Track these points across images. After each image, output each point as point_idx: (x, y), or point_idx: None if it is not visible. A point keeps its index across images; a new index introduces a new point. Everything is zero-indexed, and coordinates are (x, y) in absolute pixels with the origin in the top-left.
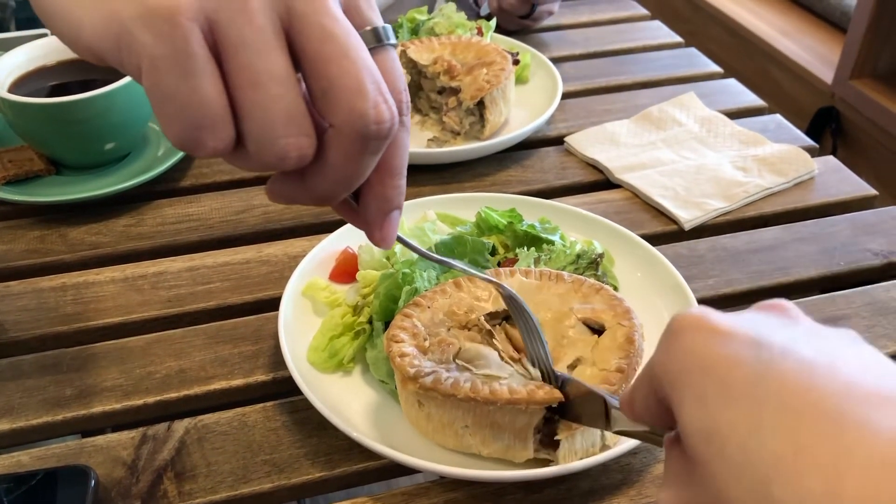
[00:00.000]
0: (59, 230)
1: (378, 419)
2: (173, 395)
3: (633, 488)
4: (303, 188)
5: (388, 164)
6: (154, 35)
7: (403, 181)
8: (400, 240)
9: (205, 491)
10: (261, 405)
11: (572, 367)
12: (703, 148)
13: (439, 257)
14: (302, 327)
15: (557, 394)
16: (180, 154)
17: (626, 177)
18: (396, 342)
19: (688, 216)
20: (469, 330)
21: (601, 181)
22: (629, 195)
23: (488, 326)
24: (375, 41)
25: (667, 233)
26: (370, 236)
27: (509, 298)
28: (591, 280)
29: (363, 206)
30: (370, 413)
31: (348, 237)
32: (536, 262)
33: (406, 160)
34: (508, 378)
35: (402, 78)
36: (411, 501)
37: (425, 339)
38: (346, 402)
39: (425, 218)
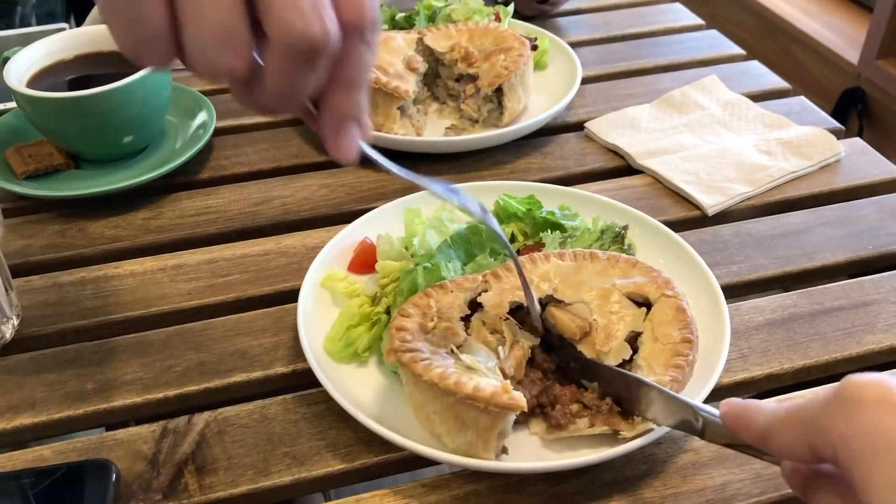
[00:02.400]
0: (78, 224)
1: (396, 410)
2: (193, 388)
3: (657, 479)
4: (252, 98)
5: (341, 77)
6: None
7: (360, 95)
8: (364, 154)
9: (225, 484)
10: (280, 397)
11: (632, 341)
12: (727, 132)
13: (406, 173)
14: (321, 318)
15: (522, 402)
16: (198, 146)
17: (648, 162)
18: (402, 315)
19: (711, 201)
20: (493, 333)
21: (622, 167)
22: (651, 181)
23: (515, 323)
24: None
25: (690, 219)
26: (327, 148)
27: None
28: (625, 255)
29: (320, 117)
30: (387, 404)
31: (366, 228)
32: (562, 244)
33: (365, 75)
34: (489, 377)
35: None
36: (432, 493)
37: (432, 321)
38: (364, 394)
39: (443, 207)
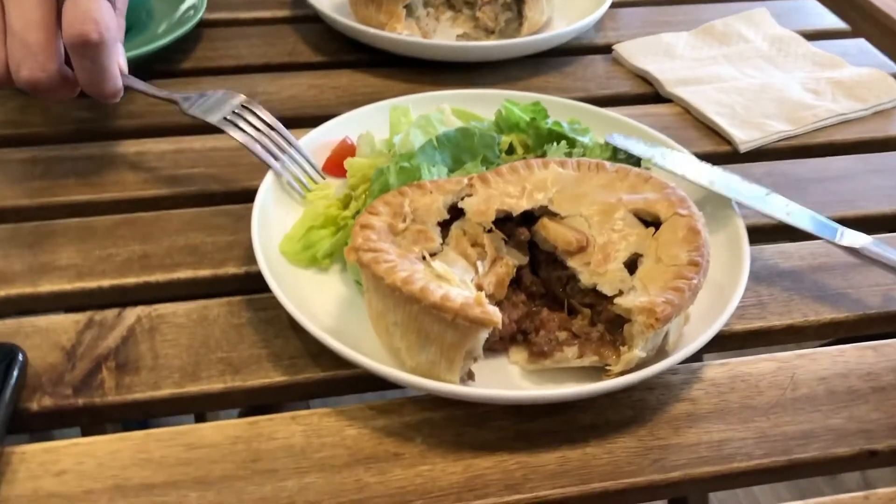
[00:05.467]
0: (42, 103)
1: (353, 324)
2: (131, 280)
3: (643, 427)
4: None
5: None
6: None
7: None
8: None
9: (146, 385)
10: (226, 299)
11: (631, 263)
12: (771, 67)
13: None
14: (283, 219)
15: (495, 316)
16: (181, 31)
17: (679, 91)
18: (370, 213)
19: (745, 136)
20: (474, 246)
21: (649, 94)
22: (680, 111)
23: (501, 237)
24: None
25: (719, 153)
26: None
27: None
28: (637, 169)
29: None
30: (345, 317)
31: (349, 127)
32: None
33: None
34: (461, 287)
35: (80, 19)
36: (380, 417)
37: (404, 222)
38: (319, 304)
39: (439, 110)
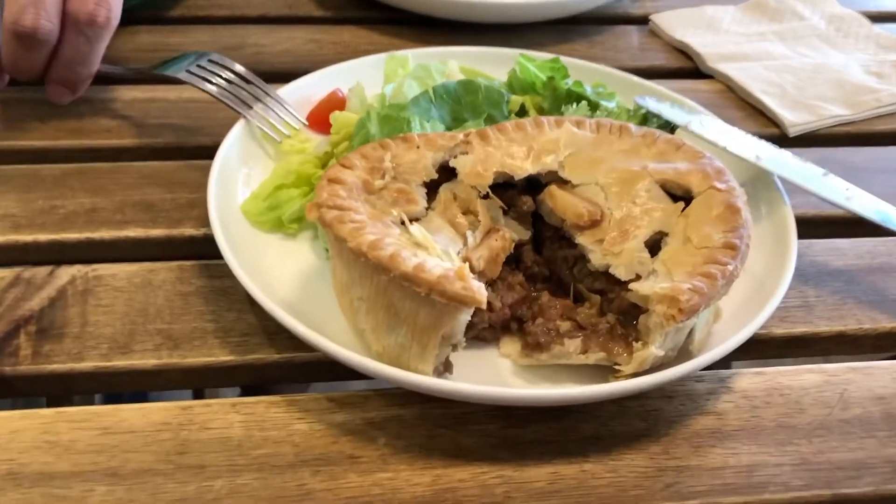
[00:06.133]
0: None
1: (319, 301)
2: (73, 236)
3: (657, 443)
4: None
5: (59, 56)
6: None
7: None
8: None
9: (67, 356)
10: (177, 263)
11: (654, 243)
12: (827, 47)
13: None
14: (252, 177)
15: (479, 294)
16: None
17: (722, 66)
18: (343, 165)
19: (795, 119)
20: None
21: (688, 69)
22: (722, 88)
23: (500, 205)
24: None
25: (765, 136)
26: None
27: None
28: (668, 135)
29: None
30: (310, 292)
31: (338, 78)
32: None
33: (78, 59)
34: (442, 258)
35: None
36: (340, 411)
37: (383, 178)
38: (282, 275)
39: (442, 61)
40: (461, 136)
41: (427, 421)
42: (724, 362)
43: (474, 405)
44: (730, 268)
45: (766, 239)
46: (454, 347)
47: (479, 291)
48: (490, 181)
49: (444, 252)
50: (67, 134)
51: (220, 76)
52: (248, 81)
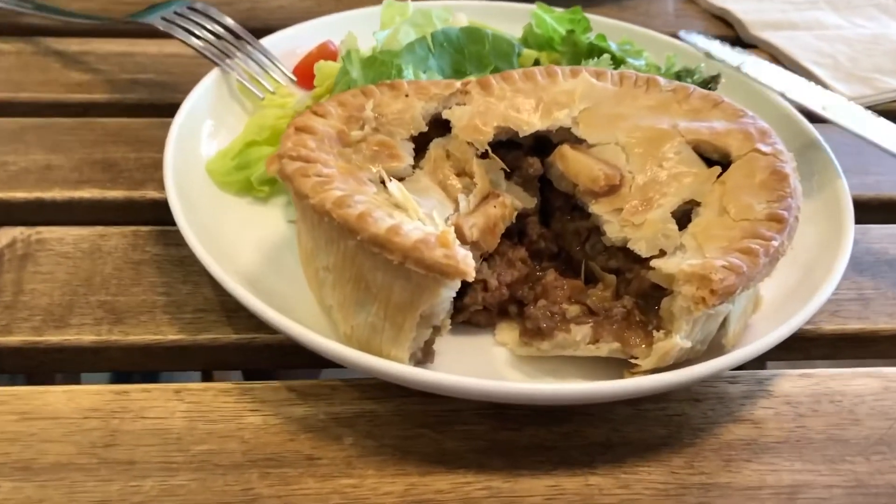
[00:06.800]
0: None
1: (287, 276)
2: (20, 195)
3: (680, 454)
4: None
5: None
6: None
7: None
8: None
9: None
10: (133, 228)
11: (683, 214)
12: (886, 17)
13: None
14: (225, 132)
15: (465, 264)
16: None
17: (767, 35)
18: (315, 113)
19: (849, 92)
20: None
21: (728, 37)
22: (766, 58)
23: (501, 167)
24: None
25: (814, 112)
26: None
27: None
28: (704, 90)
29: None
30: (278, 264)
31: (331, 29)
32: None
33: None
34: (425, 222)
35: None
36: (302, 404)
37: (362, 129)
38: (248, 244)
39: (446, 9)
40: (459, 84)
41: (404, 418)
42: (764, 361)
43: (461, 402)
44: (774, 243)
45: (816, 218)
46: (436, 331)
47: (465, 261)
48: (490, 137)
49: (427, 216)
50: (33, 86)
51: (203, 26)
52: (233, 33)
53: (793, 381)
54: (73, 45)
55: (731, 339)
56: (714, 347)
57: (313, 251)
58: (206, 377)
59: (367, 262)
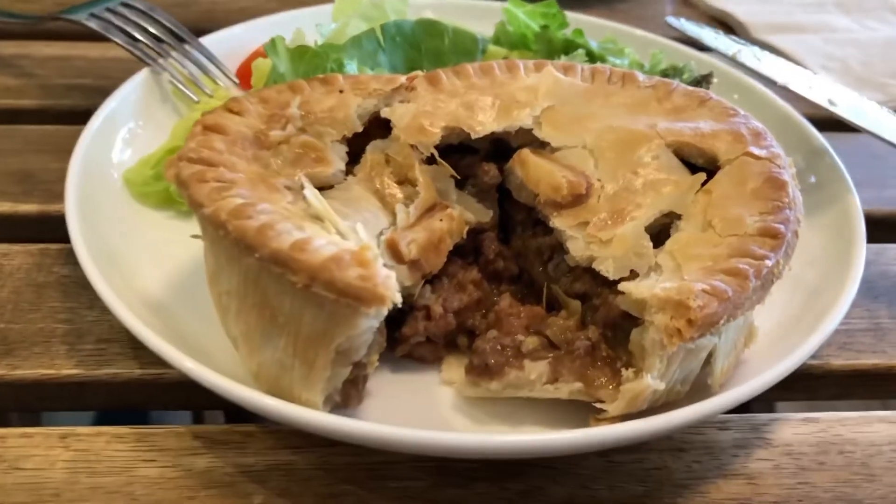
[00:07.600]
0: None
1: (202, 305)
2: None
3: None
4: None
5: None
6: None
7: None
8: None
9: None
10: (41, 246)
11: (660, 227)
12: None
13: None
14: (150, 138)
15: (384, 288)
16: None
17: (772, 38)
18: (227, 110)
19: None
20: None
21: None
22: None
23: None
24: None
25: (821, 118)
26: None
27: None
28: (689, 87)
29: None
30: (194, 291)
31: (279, 28)
32: None
33: None
34: (346, 236)
35: None
36: (204, 454)
37: (284, 129)
38: (165, 267)
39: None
40: (404, 79)
41: (328, 473)
42: (761, 403)
43: (396, 453)
44: (768, 263)
45: (822, 236)
46: (360, 368)
47: (386, 283)
48: (437, 139)
49: (350, 229)
50: None
51: (139, 24)
52: (172, 32)
53: (795, 427)
54: (9, 48)
55: (718, 377)
56: (699, 388)
57: (216, 272)
58: (197, 418)
59: (271, 285)
